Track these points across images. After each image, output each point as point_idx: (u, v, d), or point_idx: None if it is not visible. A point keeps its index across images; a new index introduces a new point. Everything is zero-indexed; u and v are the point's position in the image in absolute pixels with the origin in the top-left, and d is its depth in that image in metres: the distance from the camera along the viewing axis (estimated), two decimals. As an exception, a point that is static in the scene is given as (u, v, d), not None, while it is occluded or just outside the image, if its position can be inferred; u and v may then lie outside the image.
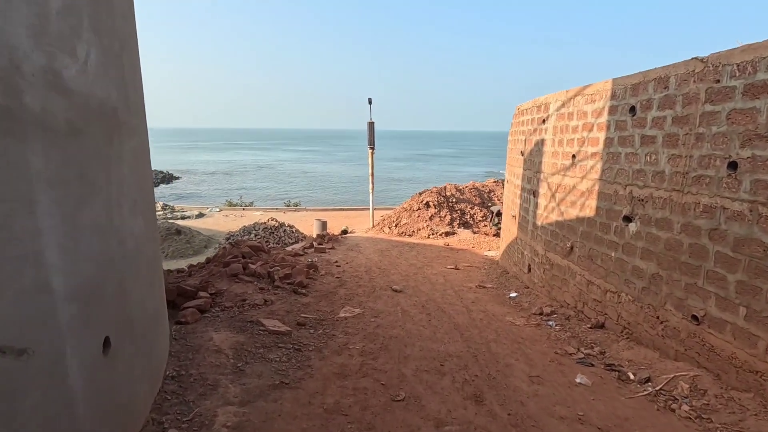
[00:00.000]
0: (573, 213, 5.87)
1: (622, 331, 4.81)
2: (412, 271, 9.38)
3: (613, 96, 4.95)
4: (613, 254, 4.96)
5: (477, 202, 18.36)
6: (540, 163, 6.99)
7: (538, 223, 7.04)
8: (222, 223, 21.79)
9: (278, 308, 5.85)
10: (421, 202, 16.43)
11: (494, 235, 16.37)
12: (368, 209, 21.28)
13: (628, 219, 4.72)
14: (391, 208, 18.95)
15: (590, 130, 5.43)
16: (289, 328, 4.97)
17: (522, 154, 8.04)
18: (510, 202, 9.06)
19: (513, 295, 7.18)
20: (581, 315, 5.66)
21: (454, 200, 17.68)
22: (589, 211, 5.48)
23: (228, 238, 16.48)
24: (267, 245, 16.67)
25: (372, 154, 15.59)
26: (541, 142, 6.97)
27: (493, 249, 13.11)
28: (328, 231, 16.87)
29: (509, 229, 9.04)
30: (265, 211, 25.23)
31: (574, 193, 5.85)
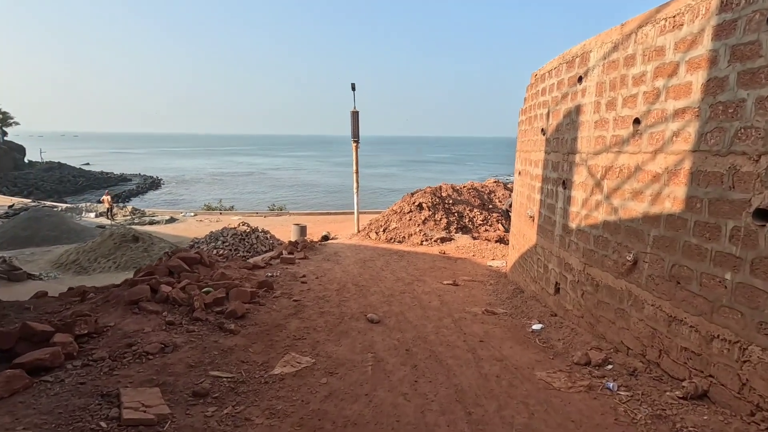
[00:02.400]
0: (637, 208, 3.80)
1: (752, 414, 2.72)
2: (398, 288, 7.27)
3: (725, 6, 2.90)
4: (727, 276, 2.89)
5: (476, 204, 16.32)
6: (574, 140, 4.93)
7: (572, 225, 4.96)
8: (193, 228, 19.60)
9: (180, 359, 3.72)
10: (413, 203, 14.35)
11: (497, 241, 14.36)
12: (360, 213, 19.10)
13: (766, 215, 2.65)
14: (381, 212, 16.86)
15: (672, 74, 3.38)
16: (167, 410, 2.83)
17: (543, 132, 5.98)
18: (524, 198, 7.00)
19: (536, 327, 5.08)
20: (656, 369, 3.57)
21: (450, 201, 15.63)
22: (670, 204, 3.41)
23: (191, 246, 14.31)
24: (235, 254, 14.52)
25: (356, 148, 13.53)
26: (575, 111, 4.91)
27: (498, 258, 11.03)
28: (306, 237, 14.75)
29: (524, 233, 6.98)
30: (244, 215, 23.04)
31: (638, 177, 3.79)
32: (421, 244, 12.53)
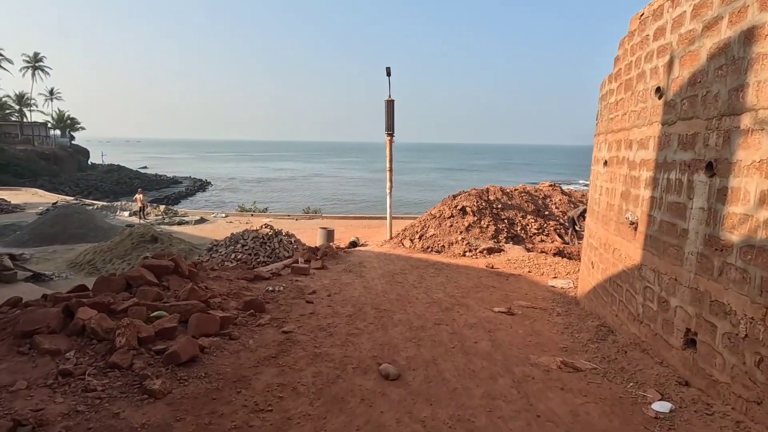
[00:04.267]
0: None
1: None
2: (432, 315, 5.38)
3: None
4: None
5: (530, 210, 14.03)
6: (738, 91, 2.87)
7: (731, 237, 2.88)
8: (221, 230, 18.67)
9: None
10: (455, 207, 12.36)
11: (555, 254, 12.06)
12: (394, 218, 17.22)
13: None
14: (418, 217, 14.95)
15: None
16: None
17: (659, 93, 3.90)
18: (615, 198, 4.90)
19: (659, 407, 3.01)
20: None
21: (499, 206, 13.47)
22: None
23: (209, 249, 13.16)
24: (255, 259, 13.14)
25: (390, 142, 11.79)
26: (740, 41, 2.85)
27: (561, 276, 8.83)
28: (333, 243, 13.16)
29: (614, 246, 4.86)
30: (276, 217, 21.97)
31: None
32: (464, 255, 10.52)
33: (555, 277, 8.73)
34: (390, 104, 11.66)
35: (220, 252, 12.95)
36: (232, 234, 13.67)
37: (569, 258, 11.82)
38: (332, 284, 7.09)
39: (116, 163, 69.57)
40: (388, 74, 11.44)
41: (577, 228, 12.52)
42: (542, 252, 11.73)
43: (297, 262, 8.81)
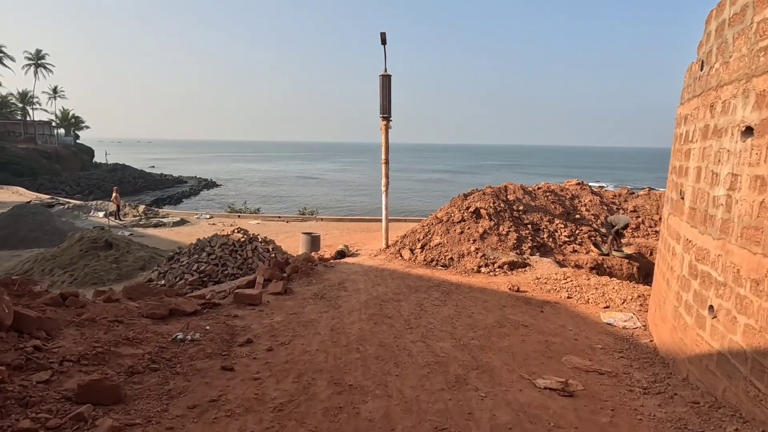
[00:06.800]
0: None
1: None
2: (432, 403, 3.00)
3: None
4: None
5: (558, 212, 11.54)
6: None
7: None
8: (201, 233, 16.48)
9: None
10: (467, 209, 9.93)
11: (592, 269, 9.66)
12: (397, 221, 14.86)
13: None
14: (422, 221, 12.51)
15: None
16: None
17: None
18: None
19: None
20: None
21: (521, 208, 11.01)
22: None
23: (170, 258, 10.93)
24: (223, 270, 10.74)
25: (386, 127, 9.43)
26: None
27: (615, 305, 6.37)
28: (316, 252, 10.83)
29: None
30: (265, 219, 19.73)
31: None
32: (479, 272, 8.11)
33: (607, 307, 6.28)
34: (386, 80, 9.30)
35: (182, 262, 10.71)
36: (198, 240, 11.40)
37: (612, 275, 9.36)
38: (285, 324, 4.75)
39: (121, 163, 68.40)
40: (383, 42, 9.09)
41: (622, 241, 10.08)
42: (577, 266, 9.30)
43: (253, 283, 6.51)
